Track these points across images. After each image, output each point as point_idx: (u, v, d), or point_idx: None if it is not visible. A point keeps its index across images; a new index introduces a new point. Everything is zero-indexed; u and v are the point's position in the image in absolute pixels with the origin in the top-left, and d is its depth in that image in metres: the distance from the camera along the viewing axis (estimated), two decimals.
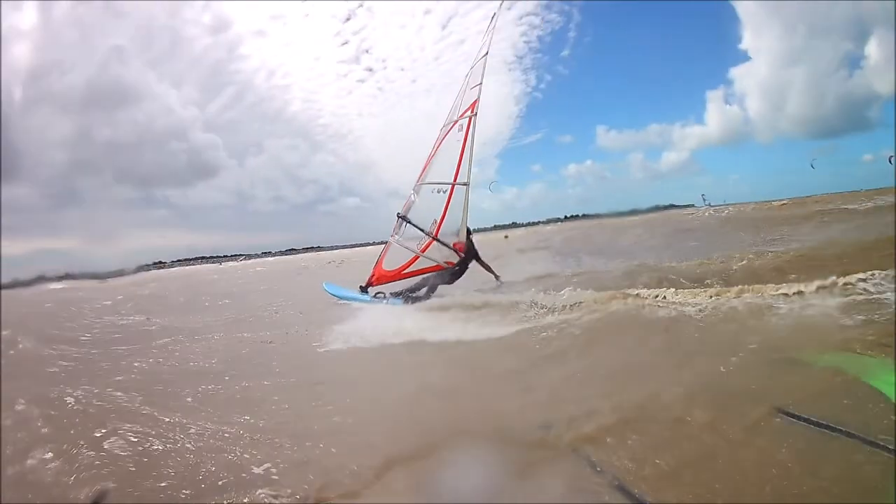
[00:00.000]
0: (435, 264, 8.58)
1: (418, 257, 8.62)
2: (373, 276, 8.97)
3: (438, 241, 8.50)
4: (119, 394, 4.34)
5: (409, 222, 8.77)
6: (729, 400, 3.12)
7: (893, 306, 4.36)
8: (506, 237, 33.97)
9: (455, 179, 8.41)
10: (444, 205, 8.49)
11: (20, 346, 7.18)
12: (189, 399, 4.16)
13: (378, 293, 8.74)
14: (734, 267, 7.26)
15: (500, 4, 10.07)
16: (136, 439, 3.33)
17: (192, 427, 3.44)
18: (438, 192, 8.59)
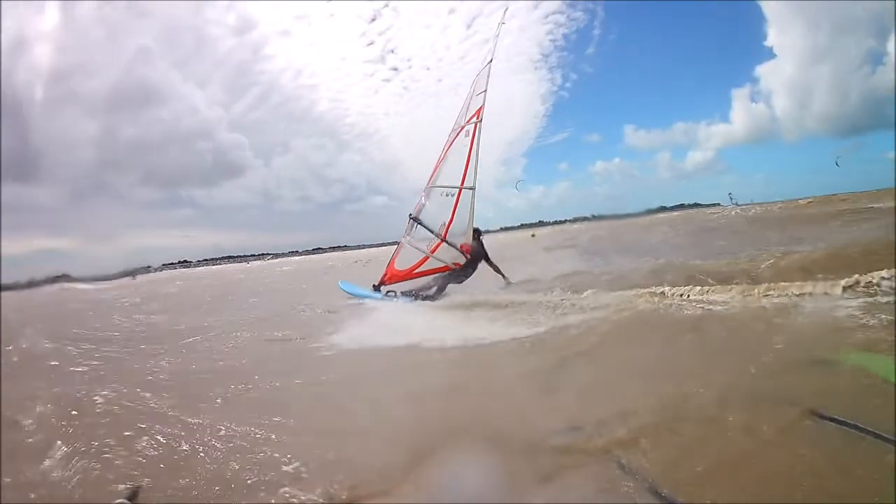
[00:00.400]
0: (444, 265, 8.65)
1: (428, 258, 8.70)
2: (385, 275, 9.10)
3: (447, 242, 8.57)
4: (148, 394, 4.41)
5: (421, 223, 8.84)
6: (760, 400, 3.06)
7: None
8: (532, 235, 35.09)
9: (462, 184, 8.47)
10: (453, 208, 8.55)
11: (45, 345, 7.37)
12: (218, 400, 4.21)
13: (389, 291, 8.88)
14: (761, 266, 7.15)
15: (505, 12, 10.21)
16: (165, 440, 3.38)
17: (221, 427, 3.48)
18: (447, 195, 8.64)
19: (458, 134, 8.84)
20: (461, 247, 8.54)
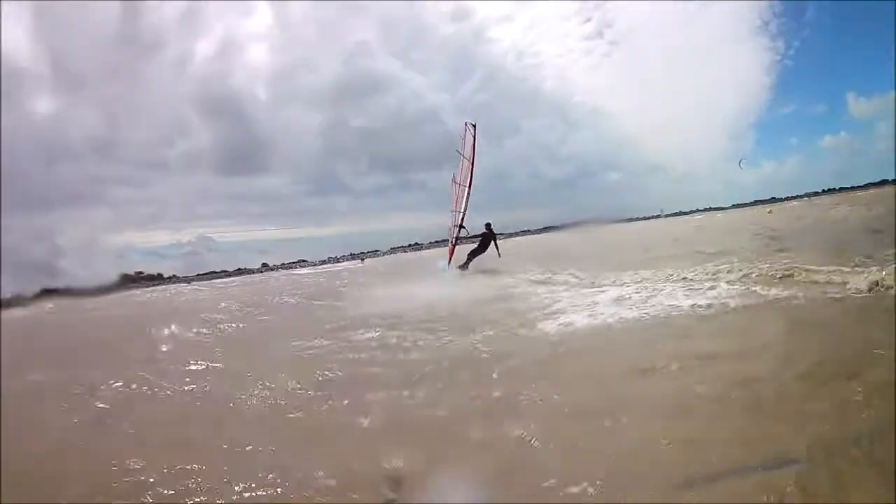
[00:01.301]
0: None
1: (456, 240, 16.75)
2: (450, 252, 17.17)
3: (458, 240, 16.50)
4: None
5: (462, 227, 16.62)
6: None
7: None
8: (769, 212, 36.85)
9: (461, 209, 16.26)
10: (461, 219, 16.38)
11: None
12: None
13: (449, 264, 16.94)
14: None
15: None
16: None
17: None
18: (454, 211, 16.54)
19: (459, 187, 16.39)
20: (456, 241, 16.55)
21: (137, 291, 40.39)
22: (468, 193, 16.06)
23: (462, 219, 16.45)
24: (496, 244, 16.26)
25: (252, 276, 58.59)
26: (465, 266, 16.33)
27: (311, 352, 6.92)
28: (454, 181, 16.84)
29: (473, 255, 16.42)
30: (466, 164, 16.09)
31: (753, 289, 7.06)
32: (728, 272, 8.29)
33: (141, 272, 63.17)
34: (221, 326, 10.52)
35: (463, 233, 16.44)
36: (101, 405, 5.31)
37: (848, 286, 6.31)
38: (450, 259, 17.04)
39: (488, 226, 16.46)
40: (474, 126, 16.01)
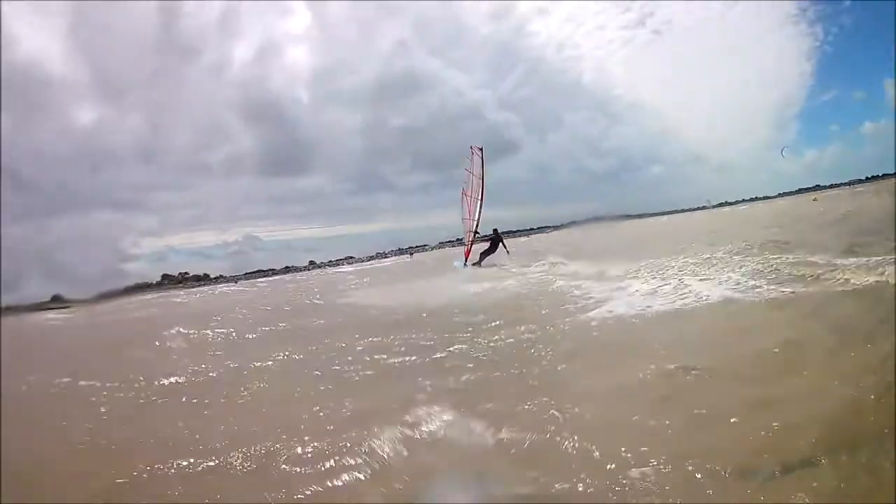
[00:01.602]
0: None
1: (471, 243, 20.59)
2: (467, 253, 20.98)
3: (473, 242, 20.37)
4: None
5: (477, 233, 20.45)
6: None
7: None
8: (814, 199, 37.42)
9: (474, 218, 20.11)
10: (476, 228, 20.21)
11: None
12: None
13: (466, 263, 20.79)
14: None
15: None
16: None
17: None
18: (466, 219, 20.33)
19: (470, 198, 20.23)
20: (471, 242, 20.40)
21: (181, 292, 41.14)
22: (481, 205, 19.88)
23: (476, 225, 20.28)
24: (504, 244, 19.98)
25: (300, 273, 61.28)
26: (478, 263, 20.17)
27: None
28: (464, 193, 20.64)
29: (485, 254, 20.35)
30: (476, 180, 19.84)
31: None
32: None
33: (186, 273, 64.09)
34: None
35: (477, 237, 20.29)
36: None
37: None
38: (466, 258, 21.09)
39: (496, 231, 20.29)
40: (481, 149, 19.79)
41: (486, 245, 20.35)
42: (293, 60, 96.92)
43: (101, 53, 79.32)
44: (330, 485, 3.30)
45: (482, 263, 20.06)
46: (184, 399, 5.80)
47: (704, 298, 7.29)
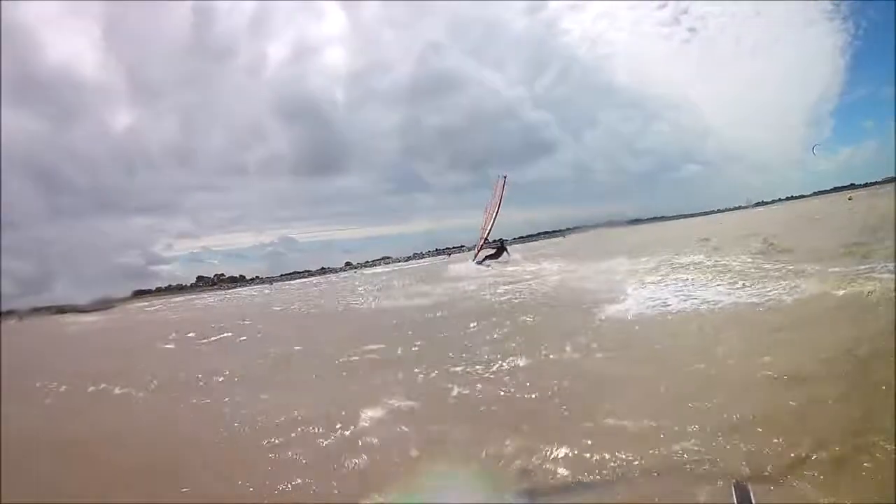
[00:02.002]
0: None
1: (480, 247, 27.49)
2: (477, 253, 27.64)
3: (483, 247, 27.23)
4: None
5: (486, 239, 27.16)
6: None
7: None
8: (850, 199, 36.23)
9: (486, 230, 27.16)
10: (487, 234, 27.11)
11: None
12: None
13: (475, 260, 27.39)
14: None
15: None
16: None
17: None
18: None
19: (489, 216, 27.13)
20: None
21: (208, 295, 42.19)
22: (494, 222, 27.03)
23: (487, 234, 26.99)
24: (507, 251, 26.76)
25: (335, 274, 61.61)
26: (481, 263, 26.66)
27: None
28: (486, 211, 27.54)
29: (490, 257, 27.09)
30: (494, 202, 26.71)
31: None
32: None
33: (222, 274, 64.06)
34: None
35: (485, 245, 27.21)
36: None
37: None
38: (475, 256, 27.98)
39: (502, 241, 27.15)
40: (504, 178, 26.75)
41: (493, 251, 26.90)
42: (328, 61, 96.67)
43: (135, 56, 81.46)
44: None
45: (484, 263, 26.51)
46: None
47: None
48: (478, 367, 6.22)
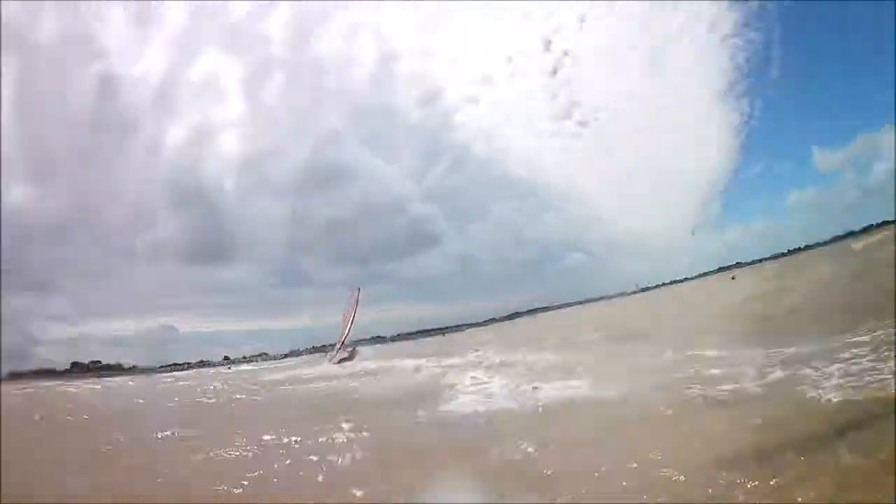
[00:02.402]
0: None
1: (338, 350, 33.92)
2: (336, 351, 33.72)
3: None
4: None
5: (343, 343, 33.65)
6: None
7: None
8: (733, 278, 37.29)
9: (344, 336, 33.98)
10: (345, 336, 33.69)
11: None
12: None
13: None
14: None
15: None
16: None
17: None
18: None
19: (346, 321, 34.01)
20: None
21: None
22: (350, 327, 33.44)
23: (345, 339, 33.36)
24: (358, 353, 32.84)
25: (214, 367, 57.45)
26: (338, 361, 32.44)
27: None
28: (343, 317, 34.18)
29: (343, 360, 33.11)
30: (350, 311, 33.51)
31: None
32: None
33: (98, 361, 58.32)
34: None
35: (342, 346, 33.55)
36: None
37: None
38: (334, 357, 33.60)
39: (354, 346, 33.36)
40: (359, 290, 34.06)
41: (346, 354, 33.21)
42: (224, 146, 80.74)
43: (32, 124, 78.02)
44: None
45: (341, 364, 32.27)
46: None
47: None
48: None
